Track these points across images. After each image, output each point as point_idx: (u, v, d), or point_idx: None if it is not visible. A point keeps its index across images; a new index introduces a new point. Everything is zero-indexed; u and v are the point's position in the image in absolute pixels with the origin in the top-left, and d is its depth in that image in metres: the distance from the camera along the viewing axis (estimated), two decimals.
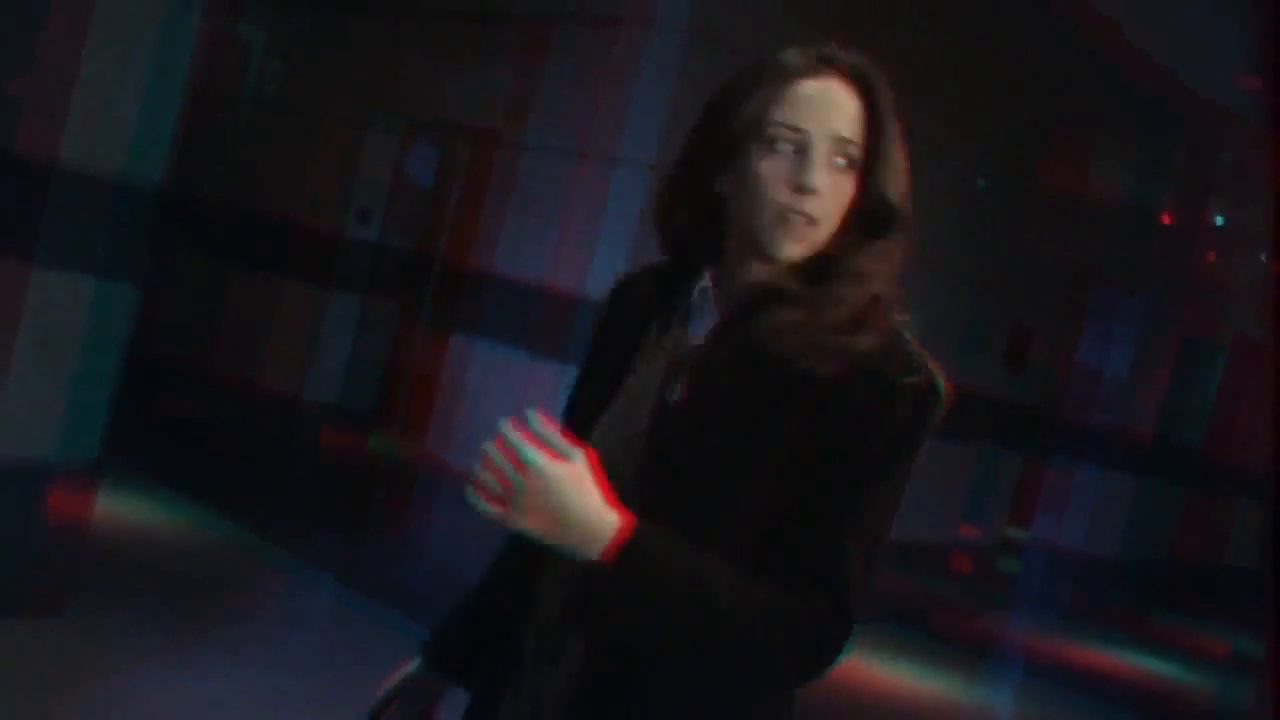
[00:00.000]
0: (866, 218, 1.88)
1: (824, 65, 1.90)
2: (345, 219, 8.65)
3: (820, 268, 1.86)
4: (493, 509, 1.68)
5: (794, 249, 1.84)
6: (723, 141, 1.89)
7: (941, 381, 1.90)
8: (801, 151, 1.84)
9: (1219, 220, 12.48)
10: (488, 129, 7.61)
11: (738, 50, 7.42)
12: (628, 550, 1.69)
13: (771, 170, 1.84)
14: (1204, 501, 13.34)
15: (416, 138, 8.70)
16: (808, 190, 1.81)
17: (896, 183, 1.89)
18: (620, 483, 1.77)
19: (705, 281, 1.93)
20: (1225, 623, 11.86)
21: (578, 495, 1.68)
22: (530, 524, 1.68)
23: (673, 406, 1.86)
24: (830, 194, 1.84)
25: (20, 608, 5.02)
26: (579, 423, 1.93)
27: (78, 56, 4.81)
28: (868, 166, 1.87)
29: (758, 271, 1.88)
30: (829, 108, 1.86)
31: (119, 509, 6.69)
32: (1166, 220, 11.79)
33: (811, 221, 1.83)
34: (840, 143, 1.84)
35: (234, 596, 6.11)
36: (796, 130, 1.84)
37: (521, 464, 1.66)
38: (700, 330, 1.91)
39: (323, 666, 5.21)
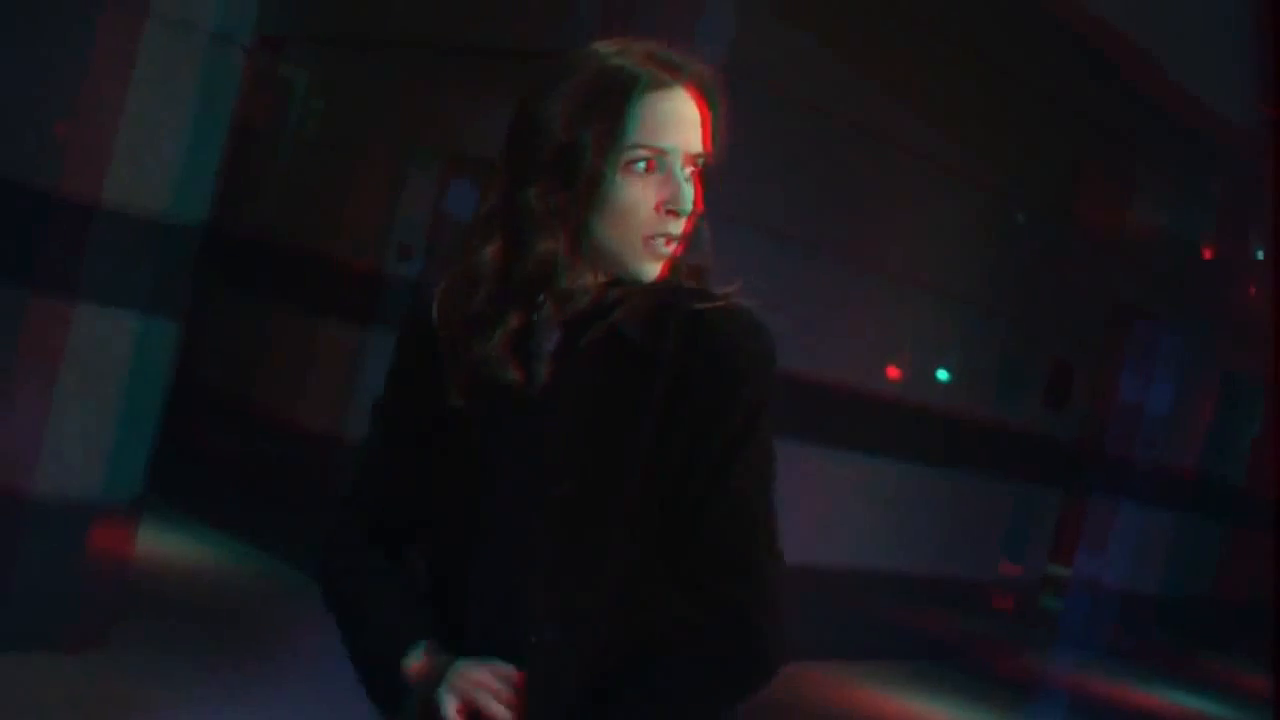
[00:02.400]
0: None
1: (672, 76, 1.80)
2: (386, 256, 8.69)
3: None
4: None
5: (654, 271, 1.79)
6: (552, 155, 1.77)
7: (771, 338, 1.81)
8: (664, 172, 1.78)
9: (1259, 253, 12.41)
10: None
11: (773, 87, 7.46)
12: None
13: (636, 193, 1.76)
14: (1247, 537, 13.22)
15: (457, 174, 8.74)
16: (681, 214, 1.78)
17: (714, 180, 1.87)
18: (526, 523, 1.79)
19: (544, 304, 1.81)
20: (1269, 660, 11.73)
21: None
22: None
23: (544, 424, 1.79)
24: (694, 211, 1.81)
25: (64, 642, 5.04)
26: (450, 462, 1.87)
27: (122, 97, 4.87)
28: (708, 174, 1.84)
29: (595, 279, 1.81)
30: (686, 124, 1.80)
31: (161, 545, 6.73)
32: (1206, 254, 11.74)
33: (675, 240, 1.79)
34: (694, 157, 1.81)
35: (275, 632, 6.12)
36: (659, 151, 1.77)
37: None
38: (546, 350, 1.82)
39: (364, 701, 5.21)
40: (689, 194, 1.78)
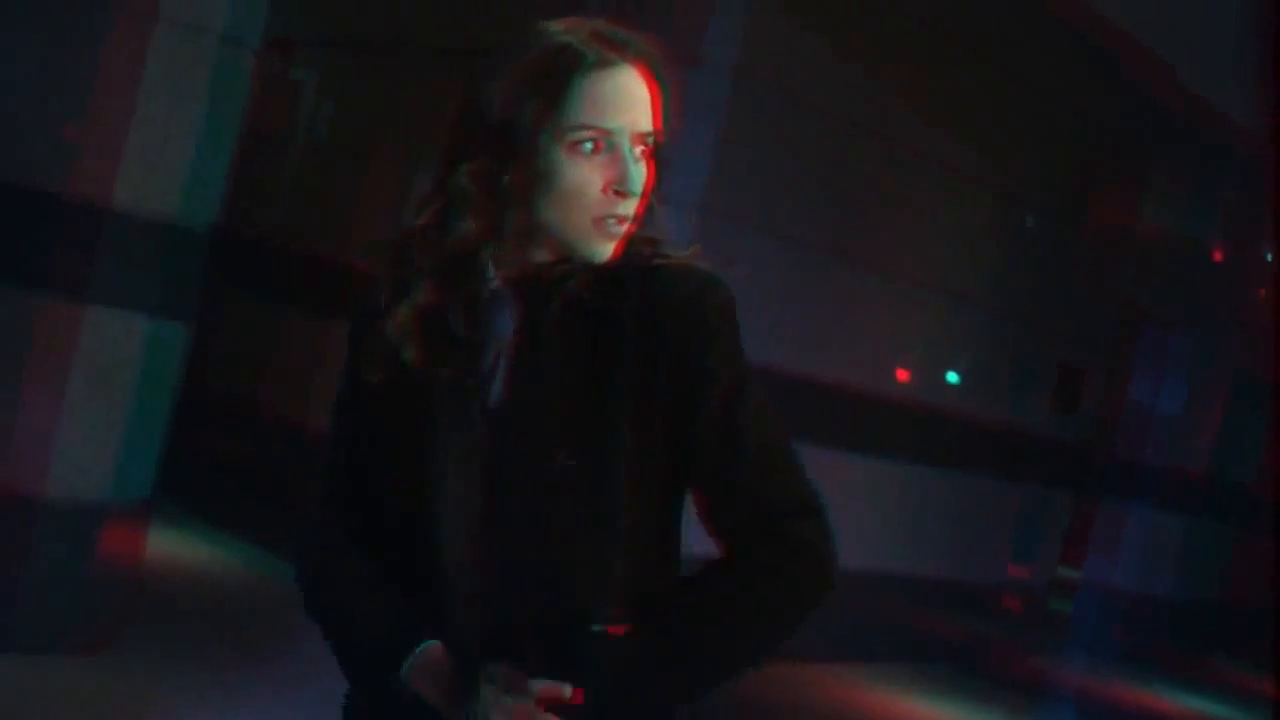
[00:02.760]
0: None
1: (618, 54, 1.76)
2: None
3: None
4: None
5: (607, 251, 1.76)
6: (488, 133, 1.77)
7: (729, 289, 1.79)
8: (611, 152, 1.74)
9: (1269, 256, 12.39)
10: None
11: (784, 90, 7.46)
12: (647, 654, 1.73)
13: (583, 175, 1.73)
14: (1257, 541, 13.19)
15: None
16: (631, 195, 1.75)
17: (661, 152, 1.81)
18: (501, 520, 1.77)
19: (495, 282, 1.78)
20: (1278, 663, 11.70)
21: None
22: None
23: (518, 402, 1.77)
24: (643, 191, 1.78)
25: (73, 644, 5.05)
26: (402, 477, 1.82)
27: (132, 101, 4.88)
28: (660, 152, 1.79)
29: (546, 257, 1.78)
30: (635, 103, 1.76)
31: (170, 547, 6.74)
32: (1217, 257, 11.72)
33: (625, 222, 1.75)
34: (643, 135, 1.76)
35: (284, 634, 6.12)
36: (605, 132, 1.74)
37: None
38: (504, 329, 1.79)
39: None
40: (638, 174, 1.74)
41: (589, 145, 1.73)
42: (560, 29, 1.78)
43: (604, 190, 1.74)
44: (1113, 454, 11.35)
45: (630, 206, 1.75)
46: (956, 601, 9.39)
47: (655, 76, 1.78)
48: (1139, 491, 11.34)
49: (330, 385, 7.31)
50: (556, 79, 1.73)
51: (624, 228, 1.75)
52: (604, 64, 1.75)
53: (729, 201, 6.69)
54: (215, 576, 6.83)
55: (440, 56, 8.61)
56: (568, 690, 1.69)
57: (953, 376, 9.00)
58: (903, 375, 8.59)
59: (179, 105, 4.96)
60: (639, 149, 1.76)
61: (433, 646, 1.77)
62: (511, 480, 1.76)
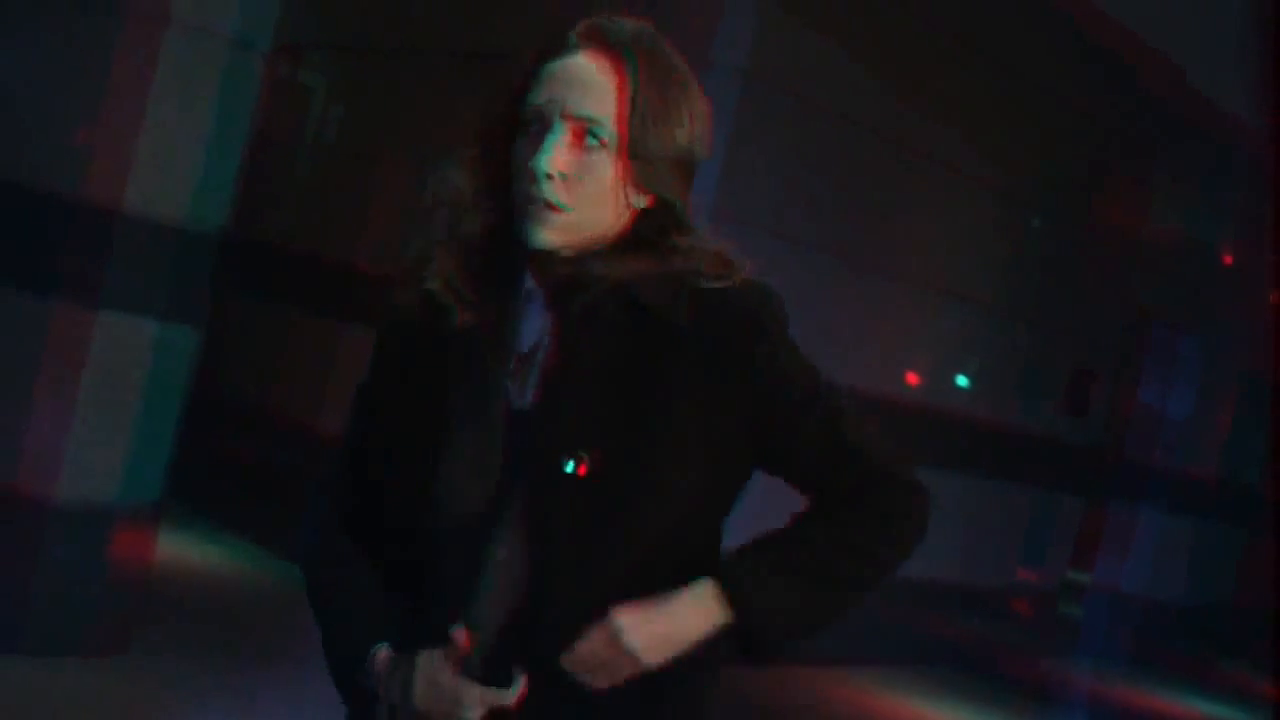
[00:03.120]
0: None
1: (580, 40, 1.72)
2: (404, 262, 8.71)
3: (630, 247, 1.75)
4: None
5: (543, 236, 1.69)
6: (503, 125, 1.77)
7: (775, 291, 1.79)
8: (541, 131, 1.70)
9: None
10: None
11: (793, 93, 7.46)
12: (743, 589, 1.69)
13: (519, 154, 1.71)
14: (1268, 545, 13.17)
15: None
16: (537, 174, 1.67)
17: (665, 150, 1.72)
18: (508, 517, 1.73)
19: (529, 282, 1.75)
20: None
21: (657, 614, 1.67)
22: (652, 657, 1.67)
23: (551, 394, 1.74)
24: (580, 177, 1.69)
25: (85, 647, 5.06)
26: (415, 473, 1.77)
27: (142, 105, 4.89)
28: (630, 144, 1.70)
29: (565, 256, 1.74)
30: (573, 85, 1.69)
31: (180, 550, 6.75)
32: (1227, 259, 11.70)
33: (553, 207, 1.68)
34: (587, 121, 1.69)
35: (294, 637, 6.13)
36: (538, 111, 1.70)
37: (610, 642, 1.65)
38: (534, 330, 1.76)
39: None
40: (547, 154, 1.67)
41: (533, 126, 1.71)
42: (572, 25, 1.76)
43: (527, 168, 1.70)
44: (1122, 457, 11.33)
45: (551, 191, 1.68)
46: (966, 604, 9.38)
47: (627, 68, 1.71)
48: (1149, 494, 11.33)
49: (340, 387, 7.35)
50: (529, 65, 1.75)
51: (550, 213, 1.69)
52: (559, 49, 1.73)
53: (738, 204, 6.69)
54: (225, 579, 6.83)
55: (450, 60, 8.63)
56: (508, 696, 1.67)
57: (962, 379, 9.00)
58: (912, 378, 8.58)
59: (189, 109, 4.97)
60: (589, 139, 1.69)
61: (380, 652, 1.76)
62: (534, 481, 1.72)
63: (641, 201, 1.74)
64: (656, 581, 1.70)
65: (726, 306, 1.72)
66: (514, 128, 1.74)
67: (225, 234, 5.24)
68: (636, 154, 1.70)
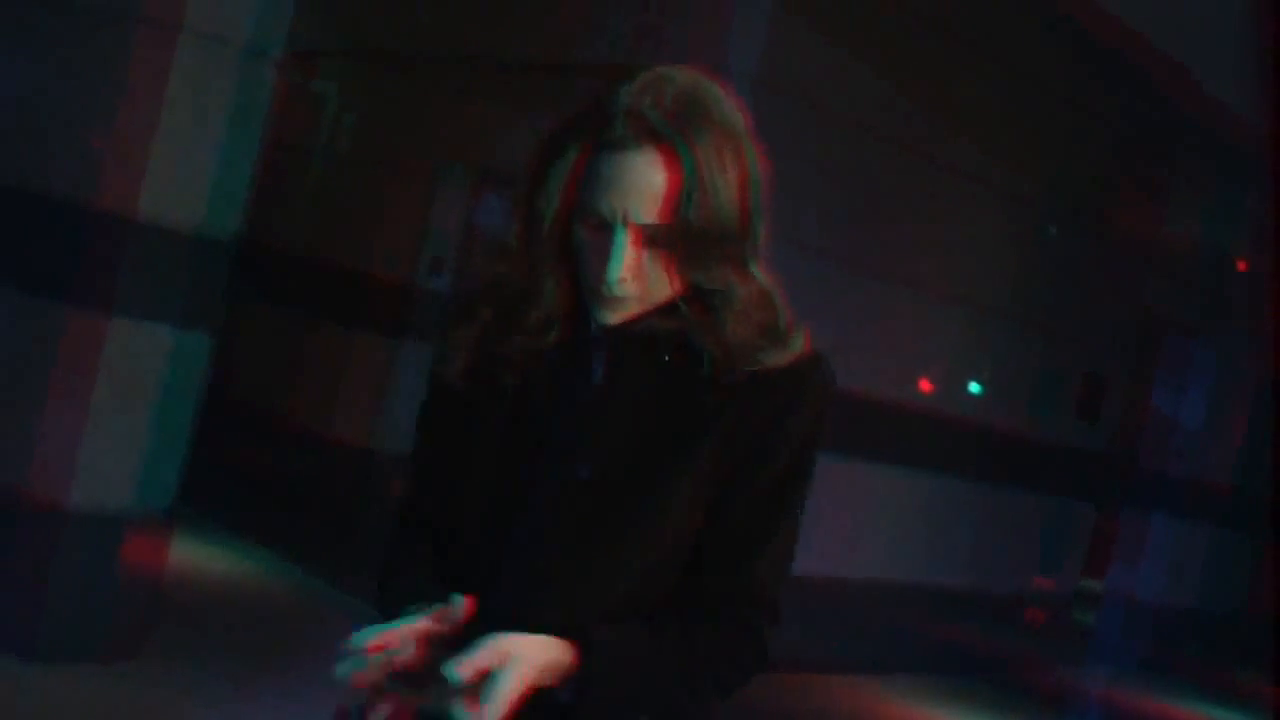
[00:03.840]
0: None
1: (631, 134, 1.75)
2: (417, 269, 8.73)
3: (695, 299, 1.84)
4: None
5: (610, 318, 1.82)
6: (545, 184, 1.84)
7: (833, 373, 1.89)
8: (606, 235, 1.78)
9: None
10: None
11: (805, 100, 7.46)
12: (591, 653, 1.73)
13: (584, 245, 1.81)
14: None
15: (487, 188, 8.77)
16: (609, 280, 1.77)
17: (713, 234, 1.77)
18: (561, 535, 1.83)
19: (599, 323, 1.85)
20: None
21: (533, 652, 1.70)
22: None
23: (598, 417, 1.85)
24: (647, 271, 1.79)
25: (97, 653, 5.07)
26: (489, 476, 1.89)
27: (156, 112, 4.90)
28: (682, 238, 1.77)
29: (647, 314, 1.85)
30: (631, 193, 1.75)
31: (193, 556, 6.76)
32: (1240, 266, 11.67)
33: (619, 298, 1.80)
34: (647, 229, 1.76)
35: (306, 644, 6.14)
36: (599, 217, 1.77)
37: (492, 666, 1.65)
38: (597, 373, 1.87)
39: None
40: (616, 267, 1.76)
41: (593, 219, 1.78)
42: (612, 94, 1.80)
43: (595, 266, 1.79)
44: (1136, 464, 11.31)
45: (618, 289, 1.78)
46: (979, 612, 9.36)
47: (682, 167, 1.75)
48: (1162, 502, 11.30)
49: (352, 395, 7.35)
50: (579, 144, 1.80)
51: (620, 304, 1.80)
52: (614, 143, 1.76)
53: None
54: (238, 585, 6.84)
55: (463, 67, 8.64)
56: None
57: (975, 386, 8.99)
58: (924, 385, 8.57)
59: (202, 116, 4.98)
60: (631, 236, 1.76)
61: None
62: (551, 485, 1.85)
63: (696, 277, 1.81)
64: (640, 588, 1.83)
65: (774, 378, 1.83)
66: (570, 209, 1.82)
67: (239, 241, 5.25)
68: (688, 244, 1.77)
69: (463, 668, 1.63)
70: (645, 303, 1.81)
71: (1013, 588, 9.83)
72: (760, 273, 1.85)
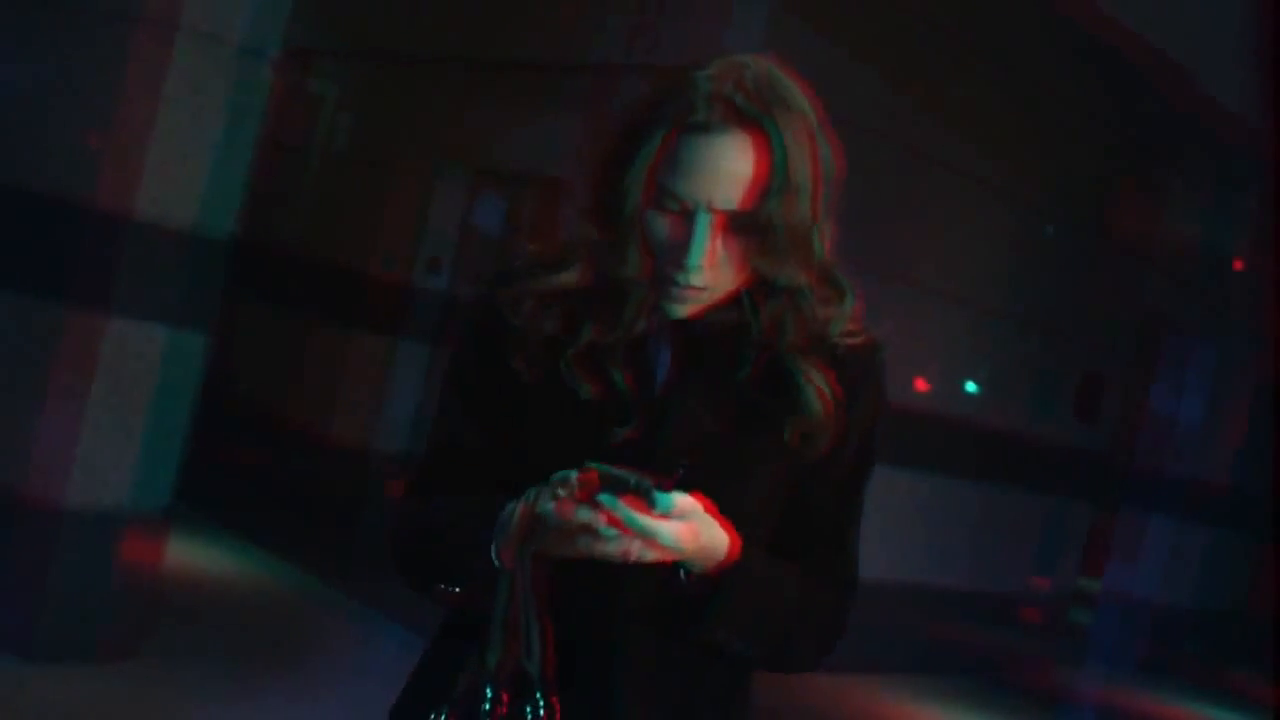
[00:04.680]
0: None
1: (717, 118, 1.70)
2: (415, 269, 8.72)
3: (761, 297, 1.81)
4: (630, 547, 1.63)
5: (681, 311, 1.79)
6: (626, 169, 1.75)
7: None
8: (687, 220, 1.72)
9: None
10: (555, 178, 7.66)
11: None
12: (740, 566, 1.73)
13: (657, 233, 1.74)
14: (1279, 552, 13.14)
15: (485, 188, 8.76)
16: (688, 266, 1.72)
17: (791, 226, 1.74)
18: None
19: (643, 324, 1.80)
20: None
21: (704, 517, 1.69)
22: (669, 551, 1.65)
23: (672, 415, 1.80)
24: (722, 260, 1.75)
25: (94, 652, 5.07)
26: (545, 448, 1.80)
27: (153, 111, 4.89)
28: (760, 226, 1.73)
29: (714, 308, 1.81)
30: (717, 176, 1.70)
31: (190, 556, 6.75)
32: (1239, 265, 11.67)
33: (698, 291, 1.76)
34: (731, 214, 1.72)
35: (303, 643, 6.13)
36: (680, 200, 1.71)
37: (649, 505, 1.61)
38: (660, 370, 1.82)
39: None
40: (698, 250, 1.71)
41: (670, 203, 1.72)
42: (690, 80, 1.73)
43: (671, 252, 1.74)
44: (1134, 464, 11.31)
45: (695, 278, 1.74)
46: (976, 612, 9.36)
47: (771, 151, 1.71)
48: (1160, 502, 11.30)
49: (350, 394, 7.35)
50: (661, 128, 1.72)
51: (694, 294, 1.76)
52: (699, 127, 1.70)
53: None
54: (235, 585, 6.84)
55: (460, 66, 8.64)
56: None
57: (973, 386, 8.98)
58: (922, 384, 8.57)
59: (199, 115, 4.98)
60: (714, 222, 1.72)
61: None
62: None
63: (767, 268, 1.78)
64: None
65: (842, 365, 1.86)
66: (649, 194, 1.74)
67: (235, 240, 5.24)
68: (765, 233, 1.73)
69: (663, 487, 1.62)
70: (714, 295, 1.78)
71: (1010, 587, 9.83)
72: (828, 266, 1.85)
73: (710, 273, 1.74)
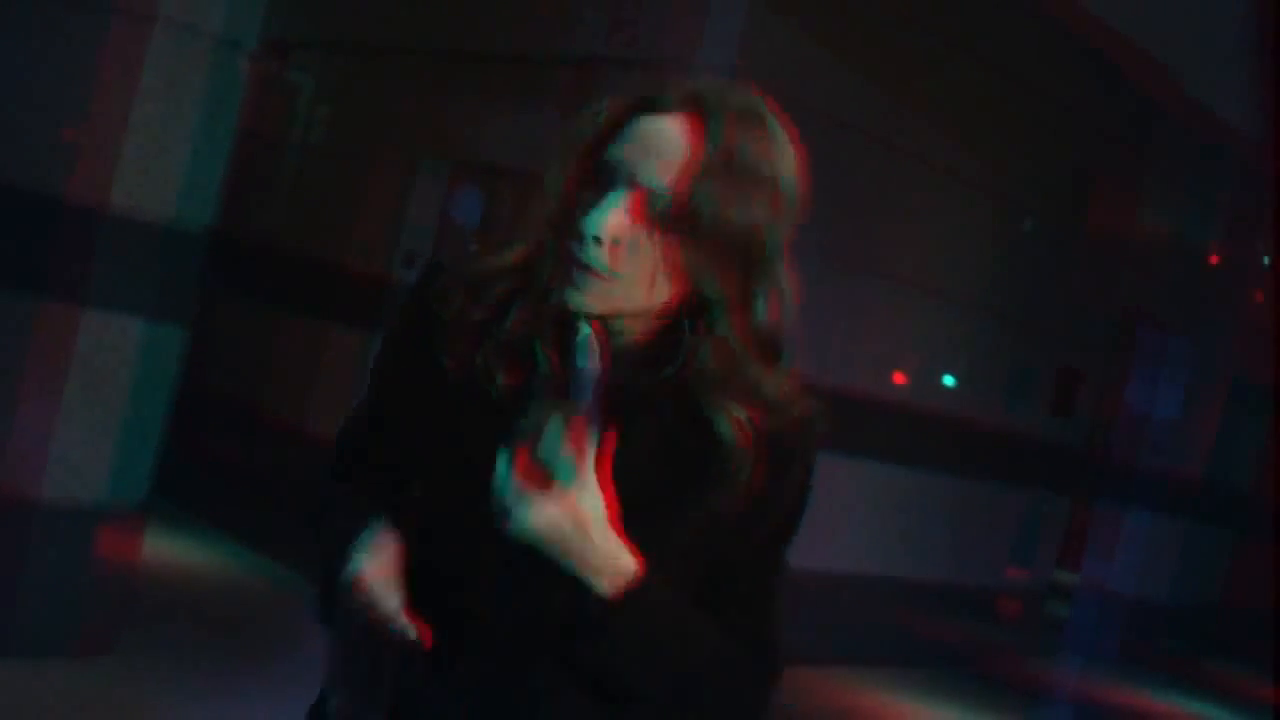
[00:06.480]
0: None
1: (674, 102, 1.61)
2: (392, 262, 8.70)
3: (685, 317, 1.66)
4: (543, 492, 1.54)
5: (576, 297, 1.60)
6: (580, 170, 1.66)
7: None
8: (603, 192, 1.60)
9: (1266, 260, 12.40)
10: (533, 172, 7.65)
11: (781, 94, 7.46)
12: (641, 593, 1.61)
13: (582, 204, 1.61)
14: (1255, 545, 13.21)
15: (462, 181, 8.75)
16: (584, 235, 1.58)
17: (719, 234, 1.60)
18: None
19: (587, 328, 1.61)
20: (1277, 668, 11.71)
21: (603, 523, 1.58)
22: (560, 523, 1.55)
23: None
24: (630, 246, 1.59)
25: (70, 647, 5.05)
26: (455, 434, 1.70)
27: (128, 103, 4.87)
28: (680, 221, 1.58)
29: (633, 321, 1.65)
30: (649, 150, 1.59)
31: (167, 550, 6.73)
32: (1214, 261, 11.73)
33: (592, 271, 1.59)
34: (649, 191, 1.58)
35: (280, 637, 6.12)
36: (609, 168, 1.60)
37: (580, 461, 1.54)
38: (587, 370, 1.63)
39: None
40: (598, 218, 1.57)
41: (602, 180, 1.61)
42: (676, 84, 1.65)
43: (577, 226, 1.60)
44: (1110, 457, 11.35)
45: (593, 254, 1.58)
46: (953, 605, 9.39)
47: (707, 136, 1.59)
48: (1136, 495, 11.34)
49: (327, 388, 7.33)
50: (619, 114, 1.64)
51: (594, 277, 1.59)
52: (655, 108, 1.62)
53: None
54: (212, 579, 6.82)
55: (437, 59, 8.62)
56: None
57: (949, 380, 9.00)
58: (899, 378, 8.59)
59: (175, 107, 4.96)
60: (631, 197, 1.59)
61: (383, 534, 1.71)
62: None
63: (699, 280, 1.64)
64: None
65: (806, 443, 1.74)
66: (589, 175, 1.64)
67: (212, 233, 5.23)
68: (685, 233, 1.59)
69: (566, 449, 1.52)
70: (616, 294, 1.61)
71: (987, 580, 9.86)
72: (769, 327, 1.70)
73: (617, 255, 1.59)
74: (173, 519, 7.09)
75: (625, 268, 1.59)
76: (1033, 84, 8.70)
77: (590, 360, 1.55)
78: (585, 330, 1.57)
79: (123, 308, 4.97)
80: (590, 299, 1.61)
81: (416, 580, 1.72)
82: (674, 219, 1.58)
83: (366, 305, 8.70)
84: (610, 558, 1.59)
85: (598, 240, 1.58)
